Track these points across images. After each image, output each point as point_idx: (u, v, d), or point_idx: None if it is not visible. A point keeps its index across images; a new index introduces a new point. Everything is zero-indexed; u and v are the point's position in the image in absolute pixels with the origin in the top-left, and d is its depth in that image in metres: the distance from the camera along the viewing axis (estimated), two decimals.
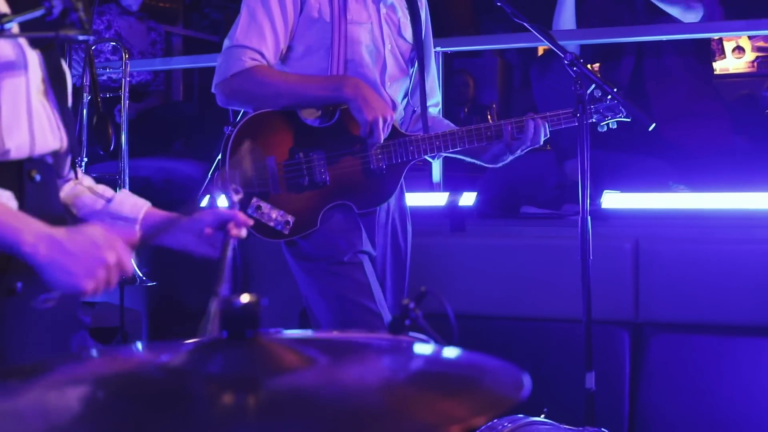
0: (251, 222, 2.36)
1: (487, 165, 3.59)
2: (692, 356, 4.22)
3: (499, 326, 4.44)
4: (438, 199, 4.63)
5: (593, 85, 3.35)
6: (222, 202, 4.40)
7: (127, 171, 4.33)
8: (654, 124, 3.34)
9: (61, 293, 1.89)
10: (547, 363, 4.34)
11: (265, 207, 3.25)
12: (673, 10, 4.93)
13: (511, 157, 3.51)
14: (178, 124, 6.31)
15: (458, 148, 3.45)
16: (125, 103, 4.32)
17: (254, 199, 3.24)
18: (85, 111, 4.36)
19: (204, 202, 4.87)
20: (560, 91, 4.49)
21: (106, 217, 2.34)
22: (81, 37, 1.89)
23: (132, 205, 2.37)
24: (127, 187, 4.49)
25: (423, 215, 4.17)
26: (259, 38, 3.31)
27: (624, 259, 4.27)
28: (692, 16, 4.90)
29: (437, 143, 3.40)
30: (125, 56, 4.42)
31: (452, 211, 4.57)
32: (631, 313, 4.27)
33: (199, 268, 4.78)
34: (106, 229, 1.95)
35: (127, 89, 4.35)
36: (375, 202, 3.41)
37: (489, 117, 7.87)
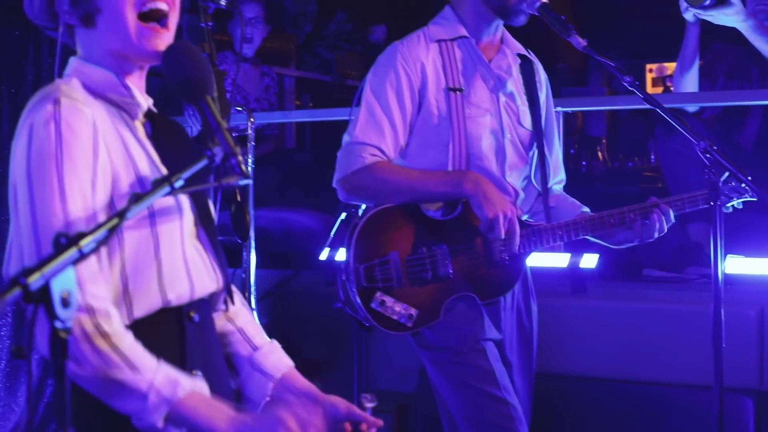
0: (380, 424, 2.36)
1: (612, 247, 3.56)
2: None
3: (619, 389, 4.42)
4: (559, 260, 4.62)
5: (727, 173, 3.32)
6: (342, 256, 4.47)
7: (253, 234, 4.41)
8: None
9: None
10: (668, 428, 4.31)
11: (389, 301, 3.27)
12: None
13: (637, 243, 3.49)
14: (293, 171, 6.37)
15: (580, 237, 3.45)
16: (251, 168, 4.40)
17: (378, 293, 3.27)
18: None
19: (323, 255, 4.96)
20: (686, 154, 4.44)
21: (247, 365, 2.41)
22: (242, 182, 1.93)
23: (275, 361, 2.42)
24: (254, 242, 4.55)
25: (544, 276, 4.17)
26: (379, 135, 3.35)
27: (748, 326, 4.20)
28: None
29: (559, 233, 3.40)
30: (251, 121, 4.49)
31: (573, 272, 4.56)
32: (756, 381, 4.21)
33: (320, 320, 4.87)
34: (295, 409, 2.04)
35: (252, 153, 4.44)
36: (498, 292, 3.41)
37: (599, 152, 7.84)
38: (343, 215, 4.57)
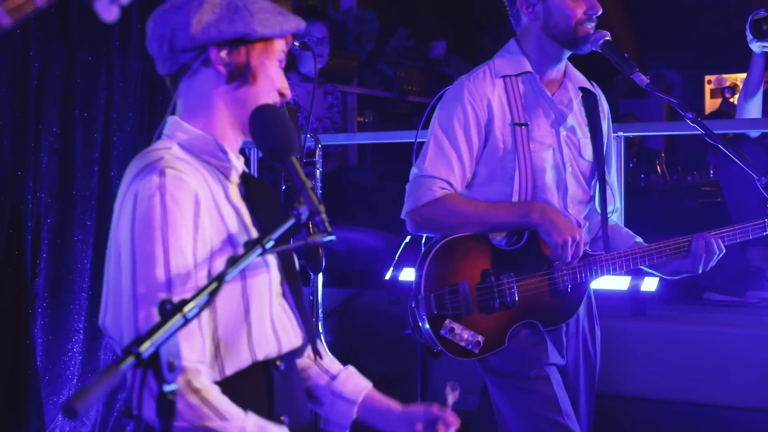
0: (458, 423, 2.47)
1: (666, 277, 3.64)
2: None
3: (680, 411, 4.47)
4: (620, 283, 4.68)
5: None
6: (406, 275, 4.53)
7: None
8: None
9: None
10: None
11: (458, 328, 3.37)
12: None
13: (690, 274, 3.56)
14: (356, 190, 6.46)
15: (638, 267, 3.53)
16: (318, 193, 4.52)
17: (447, 321, 3.37)
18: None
19: (388, 275, 5.06)
20: (747, 179, 4.48)
21: (328, 393, 2.52)
22: (326, 239, 2.03)
23: (354, 385, 2.52)
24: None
25: (605, 298, 4.24)
26: (447, 168, 3.45)
27: None
28: None
29: (619, 262, 3.49)
30: (318, 146, 4.60)
31: (634, 295, 4.62)
32: None
33: (384, 338, 4.95)
34: None
35: (320, 179, 4.57)
36: (560, 319, 3.51)
37: (657, 166, 7.86)
38: (408, 238, 4.66)
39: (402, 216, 3.56)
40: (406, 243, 4.74)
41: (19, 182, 4.50)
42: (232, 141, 2.35)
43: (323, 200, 4.87)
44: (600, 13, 3.48)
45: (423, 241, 3.67)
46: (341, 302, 5.27)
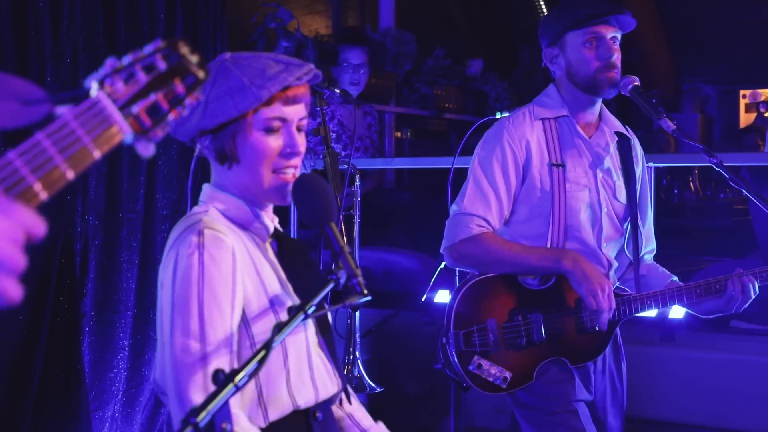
0: None
1: (700, 316, 3.72)
2: None
3: None
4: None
5: None
6: (441, 297, 4.66)
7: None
8: None
9: None
10: None
11: (486, 364, 3.51)
12: None
13: (724, 313, 3.64)
14: (393, 210, 6.56)
15: (668, 306, 3.64)
16: (357, 221, 4.68)
17: (476, 357, 3.51)
18: None
19: (423, 297, 5.19)
20: None
21: None
22: (362, 300, 2.18)
23: None
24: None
25: (634, 324, 4.35)
26: (485, 207, 3.58)
27: None
28: None
29: (648, 302, 3.59)
30: (357, 175, 4.74)
31: (662, 322, 4.72)
32: None
33: (418, 358, 5.08)
34: None
35: (359, 208, 4.70)
36: (588, 357, 3.61)
37: (690, 183, 7.93)
38: (443, 264, 4.79)
39: (441, 251, 3.69)
40: (442, 269, 4.85)
41: (68, 206, 4.65)
42: (262, 204, 2.47)
43: (361, 220, 5.00)
44: (615, 57, 3.58)
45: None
46: (377, 322, 5.40)
